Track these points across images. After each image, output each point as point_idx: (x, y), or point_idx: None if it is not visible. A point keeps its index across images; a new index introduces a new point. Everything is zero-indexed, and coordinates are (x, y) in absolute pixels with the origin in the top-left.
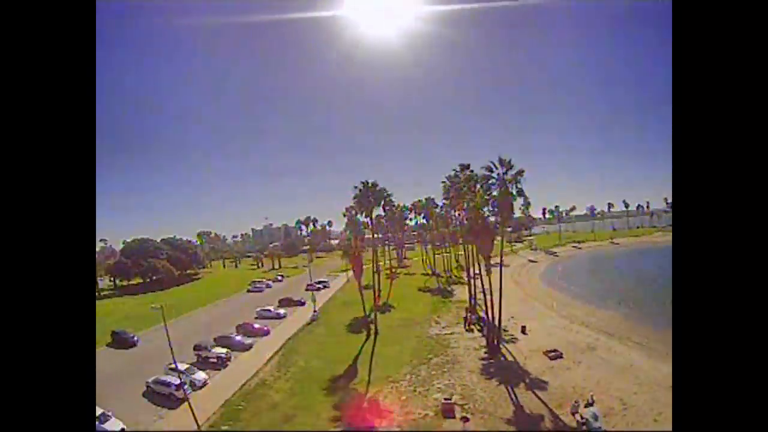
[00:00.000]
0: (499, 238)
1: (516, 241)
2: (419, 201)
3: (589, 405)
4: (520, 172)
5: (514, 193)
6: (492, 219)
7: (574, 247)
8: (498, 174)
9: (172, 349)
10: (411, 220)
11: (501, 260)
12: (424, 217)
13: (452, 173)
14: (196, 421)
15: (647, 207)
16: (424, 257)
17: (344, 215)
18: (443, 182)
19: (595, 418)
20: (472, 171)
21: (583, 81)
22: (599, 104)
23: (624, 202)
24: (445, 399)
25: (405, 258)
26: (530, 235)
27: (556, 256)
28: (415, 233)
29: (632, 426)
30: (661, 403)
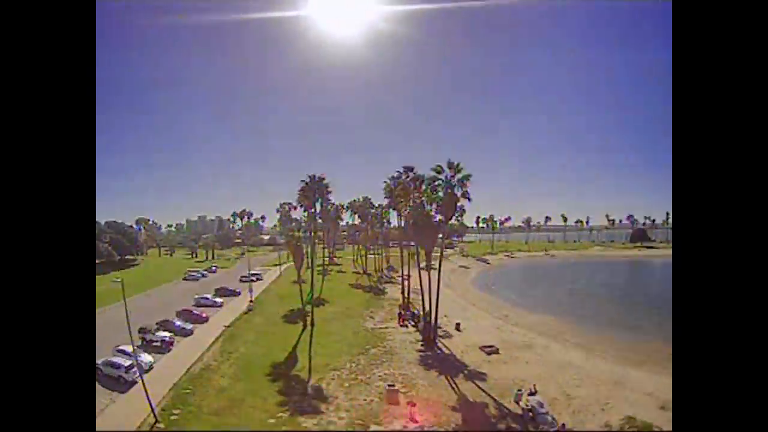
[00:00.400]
0: (440, 235)
1: (447, 248)
2: (355, 200)
3: (531, 394)
4: (467, 177)
5: (459, 195)
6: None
7: (506, 256)
8: (445, 176)
9: (130, 329)
10: (343, 220)
11: (441, 260)
12: (359, 217)
13: (395, 174)
14: (151, 404)
15: (586, 222)
16: (355, 257)
17: (278, 211)
18: (385, 182)
19: (541, 405)
20: (415, 173)
21: (531, 86)
22: (549, 115)
23: (562, 216)
24: (389, 385)
25: (334, 257)
26: (462, 243)
27: (488, 263)
28: (345, 233)
29: (577, 414)
30: (606, 396)
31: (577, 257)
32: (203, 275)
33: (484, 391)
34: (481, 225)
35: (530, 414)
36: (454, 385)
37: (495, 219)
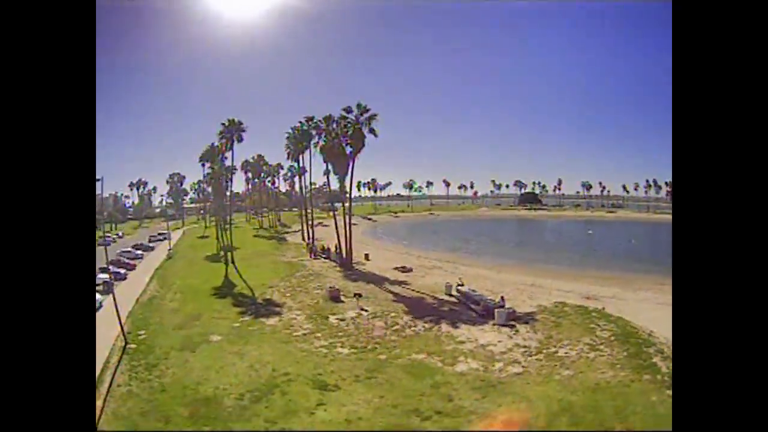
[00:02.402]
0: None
1: (330, 210)
2: (247, 160)
3: (460, 286)
4: (374, 116)
5: (366, 132)
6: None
7: (391, 215)
8: (354, 116)
9: None
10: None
11: (350, 207)
12: (250, 180)
13: (297, 125)
14: (122, 328)
15: (471, 187)
16: (247, 218)
17: (167, 182)
18: (288, 133)
19: (473, 291)
20: (316, 121)
21: (420, 47)
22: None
23: (444, 181)
24: (330, 286)
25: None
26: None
27: (373, 221)
28: (228, 203)
29: (509, 302)
30: (528, 293)
31: (463, 216)
32: (114, 240)
33: (414, 291)
34: (363, 193)
35: (465, 298)
36: (385, 289)
37: (377, 183)
